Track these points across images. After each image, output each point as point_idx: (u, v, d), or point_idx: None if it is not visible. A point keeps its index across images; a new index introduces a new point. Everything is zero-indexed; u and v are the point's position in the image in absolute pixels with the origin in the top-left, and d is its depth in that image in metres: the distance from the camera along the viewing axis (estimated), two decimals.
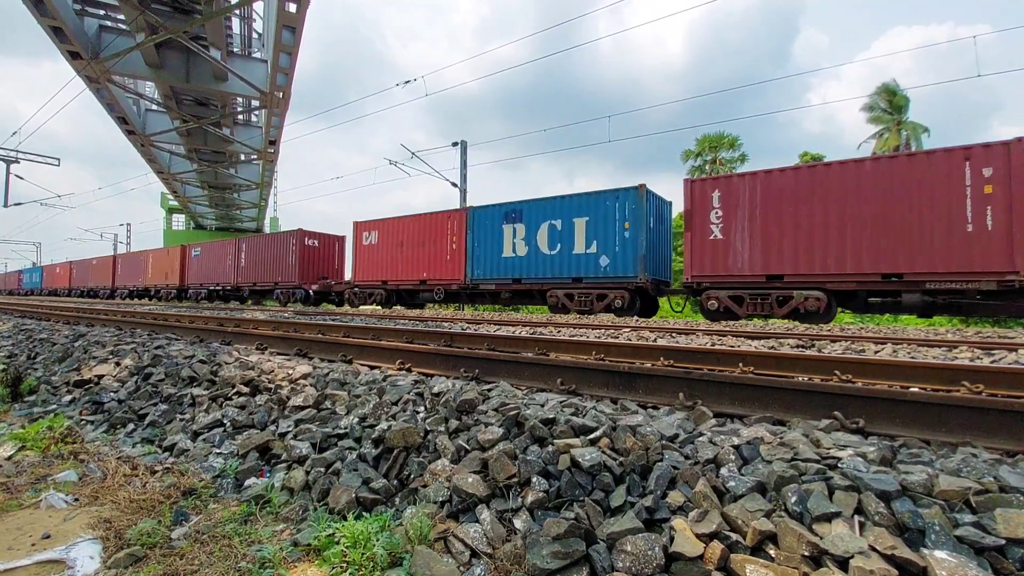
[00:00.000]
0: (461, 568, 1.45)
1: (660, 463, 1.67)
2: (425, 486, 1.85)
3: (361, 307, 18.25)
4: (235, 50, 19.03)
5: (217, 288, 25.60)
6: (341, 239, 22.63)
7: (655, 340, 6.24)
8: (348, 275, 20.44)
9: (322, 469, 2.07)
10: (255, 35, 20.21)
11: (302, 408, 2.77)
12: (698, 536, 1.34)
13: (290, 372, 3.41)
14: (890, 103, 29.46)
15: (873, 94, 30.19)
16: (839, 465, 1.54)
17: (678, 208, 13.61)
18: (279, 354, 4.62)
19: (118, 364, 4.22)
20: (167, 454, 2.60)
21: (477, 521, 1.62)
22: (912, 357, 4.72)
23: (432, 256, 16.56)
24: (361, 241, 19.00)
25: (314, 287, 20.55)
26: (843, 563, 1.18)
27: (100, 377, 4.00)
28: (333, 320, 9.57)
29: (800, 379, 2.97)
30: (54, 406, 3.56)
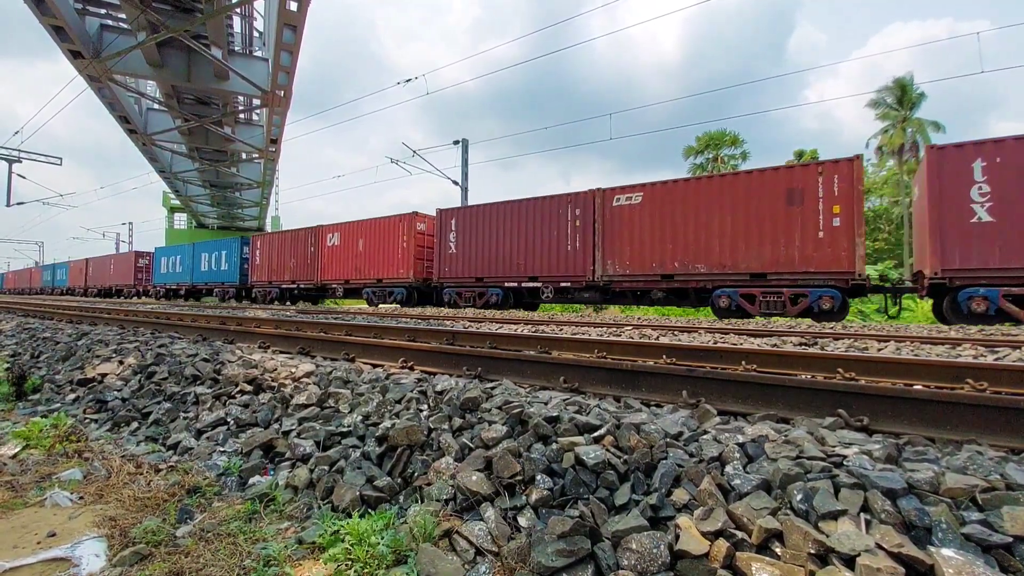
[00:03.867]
0: (466, 566, 1.45)
1: (664, 461, 1.66)
2: (429, 484, 1.85)
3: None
4: (236, 49, 18.99)
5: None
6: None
7: (657, 338, 6.23)
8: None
9: (326, 467, 2.07)
10: (256, 34, 20.18)
11: (305, 406, 2.77)
12: (703, 534, 1.34)
13: (293, 370, 3.41)
14: (899, 99, 29.25)
15: (881, 89, 29.94)
16: (844, 463, 1.53)
17: None
18: (282, 353, 4.63)
19: (121, 363, 4.23)
20: (171, 452, 2.60)
21: (481, 519, 1.62)
22: (916, 355, 4.71)
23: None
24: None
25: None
26: (850, 561, 1.17)
27: (104, 376, 4.01)
28: (335, 319, 9.58)
29: (804, 377, 2.96)
30: (58, 405, 3.57)
